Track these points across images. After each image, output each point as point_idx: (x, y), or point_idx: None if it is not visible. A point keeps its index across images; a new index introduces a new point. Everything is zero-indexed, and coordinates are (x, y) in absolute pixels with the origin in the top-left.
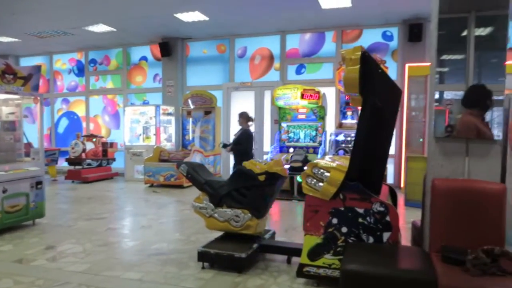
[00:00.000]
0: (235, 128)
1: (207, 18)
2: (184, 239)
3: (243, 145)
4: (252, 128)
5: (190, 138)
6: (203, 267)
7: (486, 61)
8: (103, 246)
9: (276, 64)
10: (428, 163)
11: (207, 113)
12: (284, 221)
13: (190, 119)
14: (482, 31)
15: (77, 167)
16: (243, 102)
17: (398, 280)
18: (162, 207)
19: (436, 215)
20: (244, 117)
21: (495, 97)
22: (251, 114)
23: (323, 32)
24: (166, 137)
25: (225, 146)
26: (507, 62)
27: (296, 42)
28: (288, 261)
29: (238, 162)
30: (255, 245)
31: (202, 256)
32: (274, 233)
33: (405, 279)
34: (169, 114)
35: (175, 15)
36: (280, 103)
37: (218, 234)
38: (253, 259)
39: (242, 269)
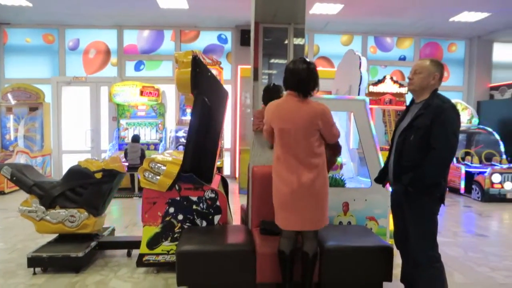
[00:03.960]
0: (67, 126)
1: (30, 4)
2: (9, 248)
3: None
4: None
5: (12, 137)
6: (34, 273)
7: None
8: None
9: (113, 59)
10: (250, 154)
11: (33, 109)
12: (124, 217)
13: (11, 116)
14: (300, 41)
15: None
16: (76, 98)
17: (224, 253)
18: None
19: (255, 196)
20: None
21: None
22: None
23: (162, 30)
24: None
25: None
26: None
27: (134, 38)
28: (128, 254)
29: None
30: (93, 243)
31: (33, 262)
32: (113, 230)
33: (230, 252)
34: None
35: None
36: (119, 99)
37: (52, 238)
38: (91, 257)
39: (80, 269)
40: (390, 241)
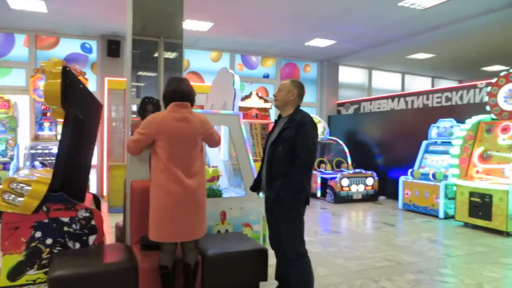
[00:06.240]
0: None
1: None
2: None
3: None
4: None
5: None
6: None
7: None
8: None
9: None
10: (127, 168)
11: None
12: None
13: None
14: (170, 55)
15: None
16: None
17: (105, 274)
18: None
19: (135, 212)
20: None
21: None
22: None
23: (13, 34)
24: None
25: None
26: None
27: None
28: None
29: None
30: None
31: None
32: None
33: (111, 271)
34: None
35: None
36: None
37: None
38: None
39: None
40: (265, 244)
